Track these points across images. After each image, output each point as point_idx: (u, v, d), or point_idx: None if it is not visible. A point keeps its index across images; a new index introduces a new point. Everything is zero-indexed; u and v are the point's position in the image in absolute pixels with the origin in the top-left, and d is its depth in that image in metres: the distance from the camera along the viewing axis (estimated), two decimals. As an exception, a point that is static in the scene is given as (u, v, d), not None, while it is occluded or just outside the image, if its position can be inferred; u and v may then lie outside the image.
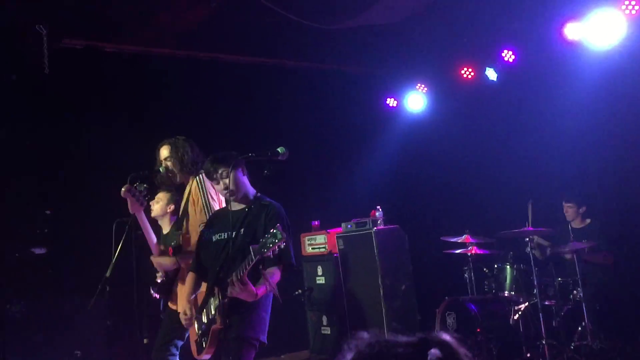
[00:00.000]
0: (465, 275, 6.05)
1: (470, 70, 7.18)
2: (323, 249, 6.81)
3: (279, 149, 3.50)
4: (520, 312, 5.50)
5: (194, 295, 3.72)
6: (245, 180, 3.71)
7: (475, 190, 7.13)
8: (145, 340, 3.91)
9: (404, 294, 6.38)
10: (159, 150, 4.26)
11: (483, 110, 7.07)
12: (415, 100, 7.85)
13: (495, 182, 6.81)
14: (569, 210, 5.98)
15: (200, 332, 3.60)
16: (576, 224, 5.98)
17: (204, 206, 4.01)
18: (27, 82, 5.78)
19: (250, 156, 3.55)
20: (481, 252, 5.97)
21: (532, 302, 5.50)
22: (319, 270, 6.81)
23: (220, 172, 3.60)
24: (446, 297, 5.79)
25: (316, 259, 6.87)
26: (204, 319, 3.56)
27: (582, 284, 5.28)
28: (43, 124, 5.90)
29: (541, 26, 6.16)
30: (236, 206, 3.67)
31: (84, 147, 6.10)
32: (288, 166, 4.07)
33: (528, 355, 5.30)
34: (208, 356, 3.56)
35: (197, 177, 4.10)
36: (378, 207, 6.64)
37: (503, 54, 6.69)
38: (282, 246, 3.15)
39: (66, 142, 6.00)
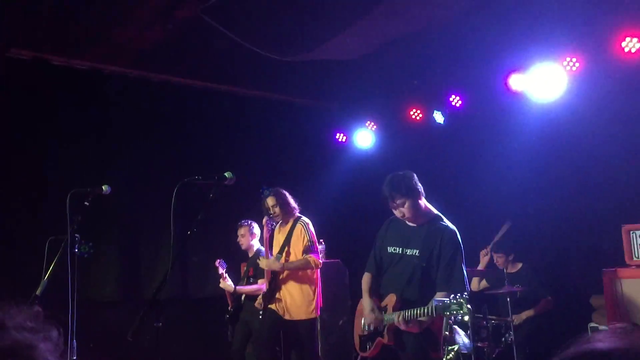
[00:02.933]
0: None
1: (418, 111, 7.36)
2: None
3: (226, 174, 3.49)
4: (453, 353, 5.55)
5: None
6: (422, 204, 3.88)
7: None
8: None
9: (341, 328, 6.37)
10: (265, 200, 5.47)
11: (429, 151, 7.23)
12: (364, 137, 7.97)
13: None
14: (499, 260, 6.15)
15: (366, 332, 3.92)
16: (509, 269, 6.14)
17: (308, 242, 5.33)
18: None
19: (197, 179, 3.52)
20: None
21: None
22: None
23: (397, 202, 3.82)
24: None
25: (256, 289, 6.78)
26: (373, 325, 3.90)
27: (513, 327, 5.40)
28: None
29: (487, 75, 6.40)
30: (413, 223, 3.90)
31: (22, 160, 5.92)
32: (233, 193, 4.06)
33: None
34: (367, 356, 3.89)
35: (302, 221, 5.43)
36: (321, 240, 6.64)
37: (451, 99, 6.90)
38: (466, 319, 3.42)
39: (5, 154, 5.81)
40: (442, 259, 3.77)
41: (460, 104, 6.86)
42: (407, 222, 3.91)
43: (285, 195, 5.51)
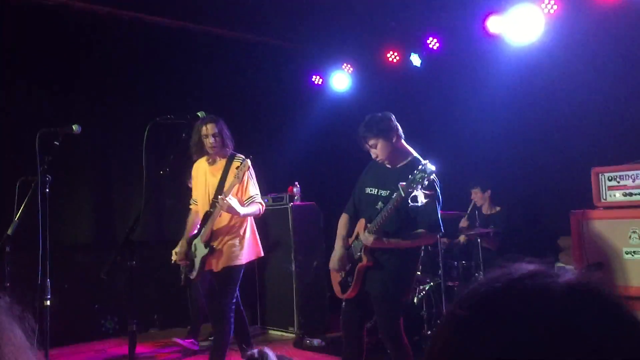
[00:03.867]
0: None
1: (395, 54, 7.29)
2: (238, 222, 6.77)
3: (198, 113, 3.45)
4: (424, 292, 5.71)
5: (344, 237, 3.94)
6: (397, 145, 3.81)
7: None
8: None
9: (315, 270, 6.47)
10: (203, 125, 4.31)
11: (406, 94, 7.20)
12: (341, 80, 7.89)
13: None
14: (475, 195, 6.21)
15: (344, 273, 3.86)
16: (485, 210, 6.23)
17: (254, 182, 4.49)
18: None
19: (169, 118, 3.46)
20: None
21: (436, 282, 5.72)
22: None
23: (370, 142, 3.76)
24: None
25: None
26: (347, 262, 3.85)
27: (483, 267, 5.53)
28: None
29: (465, 17, 6.33)
30: (389, 165, 3.84)
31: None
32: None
33: (429, 332, 5.52)
34: (354, 294, 3.79)
35: (247, 162, 4.30)
36: (296, 182, 6.66)
37: (428, 41, 6.83)
38: (432, 178, 3.31)
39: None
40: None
41: (437, 47, 6.80)
42: (385, 164, 3.91)
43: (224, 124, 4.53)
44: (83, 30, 6.35)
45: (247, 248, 4.49)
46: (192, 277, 4.50)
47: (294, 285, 6.35)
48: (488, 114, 6.31)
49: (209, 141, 4.32)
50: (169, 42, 6.84)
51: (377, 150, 3.82)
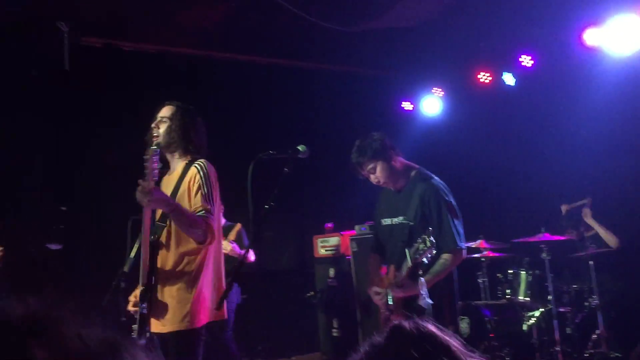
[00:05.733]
0: (479, 280, 6.01)
1: (487, 74, 7.15)
2: (335, 251, 6.80)
3: (299, 147, 3.48)
4: (534, 318, 5.46)
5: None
6: (396, 164, 3.65)
7: (490, 195, 7.08)
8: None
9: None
10: (159, 110, 3.50)
11: (500, 115, 7.03)
12: (431, 104, 7.83)
13: (511, 187, 6.76)
14: (572, 235, 5.89)
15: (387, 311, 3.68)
16: (588, 233, 5.93)
17: (207, 195, 3.25)
18: (47, 78, 5.83)
19: (272, 154, 3.54)
20: (495, 257, 5.93)
21: (546, 308, 5.46)
22: (331, 272, 6.79)
23: (367, 168, 3.61)
24: (459, 302, 5.76)
25: (328, 261, 6.85)
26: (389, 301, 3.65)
27: (598, 291, 5.24)
28: (61, 119, 5.95)
29: (560, 31, 6.13)
30: (394, 188, 3.71)
31: (101, 144, 6.14)
32: (303, 167, 4.07)
33: (542, 362, 5.28)
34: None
35: (200, 164, 3.34)
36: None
37: (521, 59, 6.66)
38: (433, 252, 3.10)
39: (84, 139, 6.05)
40: (430, 221, 3.51)
41: (531, 64, 6.62)
42: (391, 188, 3.71)
43: (194, 115, 3.52)
44: (181, 73, 6.67)
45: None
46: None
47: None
48: (589, 131, 6.04)
49: (156, 132, 3.38)
50: (262, 79, 7.06)
51: (377, 174, 3.62)
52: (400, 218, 3.61)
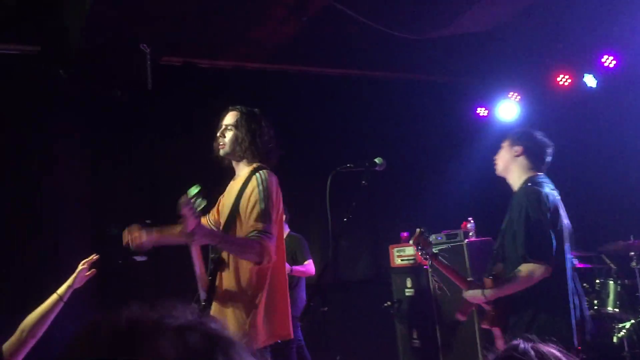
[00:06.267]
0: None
1: (566, 77, 6.92)
2: (412, 261, 6.73)
3: (376, 160, 3.50)
4: (625, 330, 5.21)
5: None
6: (518, 162, 3.61)
7: (574, 202, 6.80)
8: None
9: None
10: (223, 117, 3.46)
11: (581, 119, 6.78)
12: (508, 109, 7.64)
13: (595, 193, 6.49)
14: None
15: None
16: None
17: (264, 211, 3.09)
18: (130, 97, 6.11)
19: (349, 167, 3.56)
20: (582, 267, 5.70)
21: (637, 319, 5.20)
22: (408, 282, 6.73)
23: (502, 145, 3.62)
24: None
25: (405, 270, 6.79)
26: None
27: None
28: (145, 137, 6.22)
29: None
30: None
31: (182, 159, 6.36)
32: (378, 176, 4.07)
33: (635, 376, 5.02)
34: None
35: (260, 176, 3.18)
36: (470, 218, 6.49)
37: (603, 60, 6.41)
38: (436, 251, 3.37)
39: (169, 155, 6.29)
40: (513, 227, 3.41)
41: (614, 65, 6.36)
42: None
43: (260, 119, 3.41)
44: (259, 88, 6.81)
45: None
46: None
47: (475, 323, 6.11)
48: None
49: (220, 139, 3.45)
50: (337, 91, 7.11)
51: (498, 156, 3.62)
52: (504, 222, 3.70)
